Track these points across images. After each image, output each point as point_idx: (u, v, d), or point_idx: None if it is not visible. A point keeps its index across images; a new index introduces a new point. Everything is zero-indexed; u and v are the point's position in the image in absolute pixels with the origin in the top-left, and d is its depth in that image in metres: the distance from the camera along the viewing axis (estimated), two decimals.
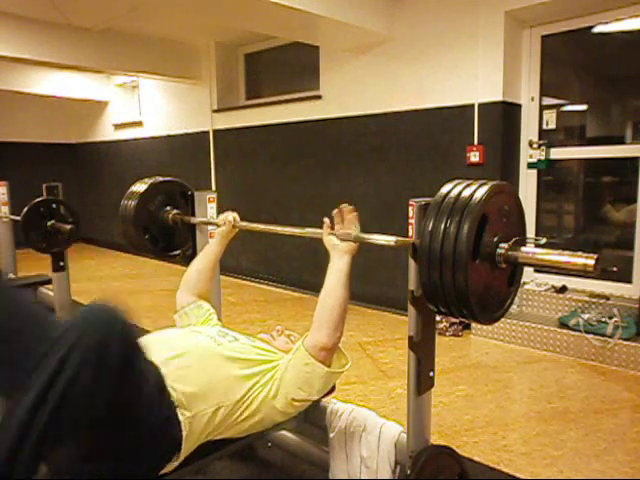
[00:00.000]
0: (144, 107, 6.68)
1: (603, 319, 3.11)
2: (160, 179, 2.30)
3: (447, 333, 3.58)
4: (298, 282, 4.81)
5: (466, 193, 1.24)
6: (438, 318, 3.40)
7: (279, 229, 1.98)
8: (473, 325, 3.59)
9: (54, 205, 3.21)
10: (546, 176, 3.70)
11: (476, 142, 3.58)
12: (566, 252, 1.22)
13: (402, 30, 3.87)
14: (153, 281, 5.54)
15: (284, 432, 1.89)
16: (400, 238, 1.43)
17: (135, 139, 6.86)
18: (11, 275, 4.02)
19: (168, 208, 2.26)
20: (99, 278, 5.75)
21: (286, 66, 5.42)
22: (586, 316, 3.18)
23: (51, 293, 3.48)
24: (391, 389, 2.74)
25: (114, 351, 0.99)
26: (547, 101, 3.65)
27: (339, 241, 1.53)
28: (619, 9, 3.19)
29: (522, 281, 1.47)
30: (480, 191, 1.23)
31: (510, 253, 1.26)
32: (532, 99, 3.65)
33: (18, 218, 3.27)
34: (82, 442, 1.03)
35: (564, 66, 3.78)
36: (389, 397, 2.65)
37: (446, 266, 1.19)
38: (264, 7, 3.12)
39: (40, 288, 3.77)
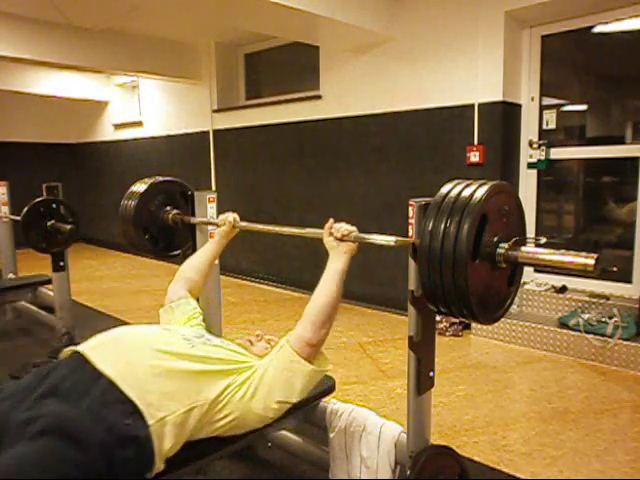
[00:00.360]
0: (144, 107, 6.68)
1: (603, 319, 3.11)
2: (160, 179, 2.30)
3: (447, 333, 3.58)
4: (298, 282, 4.81)
5: (466, 193, 1.24)
6: (438, 318, 3.40)
7: (279, 229, 1.98)
8: (473, 325, 3.59)
9: (54, 205, 3.21)
10: (546, 176, 3.70)
11: (476, 142, 3.58)
12: (566, 252, 1.22)
13: (402, 30, 3.87)
14: (153, 281, 5.54)
15: (284, 432, 1.89)
16: (400, 238, 1.43)
17: (135, 139, 6.86)
18: (11, 275, 4.03)
19: (168, 208, 2.26)
20: (99, 278, 5.75)
21: (286, 66, 5.42)
22: (586, 316, 3.18)
23: (51, 293, 3.48)
24: (391, 389, 2.74)
25: None
26: (547, 101, 3.65)
27: (338, 242, 1.53)
28: (619, 9, 3.19)
29: (522, 281, 1.47)
30: (480, 191, 1.23)
31: (510, 253, 1.26)
32: (532, 99, 3.65)
33: (18, 218, 3.27)
34: None
35: (564, 66, 3.78)
36: (389, 397, 2.65)
37: (446, 266, 1.19)
38: (264, 7, 3.12)
39: (40, 288, 3.78)
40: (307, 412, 1.80)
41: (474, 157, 3.58)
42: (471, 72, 3.56)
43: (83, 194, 7.55)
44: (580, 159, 3.65)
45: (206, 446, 1.41)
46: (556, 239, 3.81)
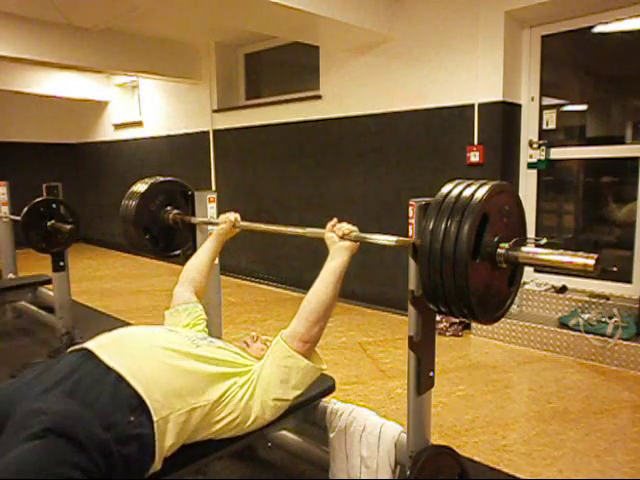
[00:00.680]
0: (144, 107, 6.68)
1: (603, 319, 3.11)
2: (161, 179, 2.30)
3: (447, 333, 3.58)
4: (298, 282, 4.81)
5: (467, 193, 1.24)
6: (438, 318, 3.41)
7: (280, 229, 1.98)
8: (473, 325, 3.59)
9: (54, 205, 3.21)
10: (546, 176, 3.70)
11: (476, 142, 3.58)
12: (566, 252, 1.22)
13: (402, 30, 3.87)
14: (153, 281, 5.54)
15: (284, 432, 1.89)
16: (401, 238, 1.43)
17: (135, 139, 6.86)
18: (11, 275, 4.03)
19: (169, 208, 2.26)
20: (99, 278, 5.75)
21: (286, 66, 5.42)
22: (586, 316, 3.18)
23: (51, 293, 3.48)
24: (391, 389, 2.74)
25: None
26: (547, 101, 3.65)
27: (340, 239, 1.53)
28: (619, 9, 3.19)
29: (522, 281, 1.47)
30: (481, 191, 1.23)
31: (510, 253, 1.26)
32: (532, 99, 3.65)
33: (18, 218, 3.27)
34: None
35: (564, 66, 3.78)
36: (389, 397, 2.65)
37: (447, 265, 1.19)
38: (264, 7, 3.12)
39: (40, 288, 3.78)
40: (307, 412, 1.80)
41: (474, 157, 3.58)
42: (471, 72, 3.56)
43: (83, 194, 7.55)
44: (580, 159, 3.65)
45: (206, 446, 1.41)
46: (556, 239, 3.81)
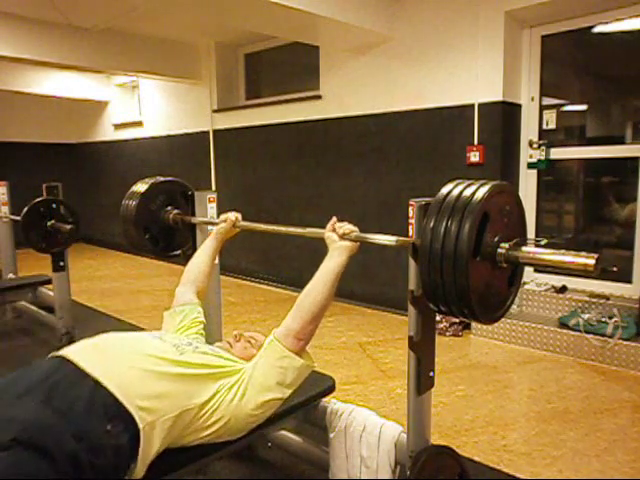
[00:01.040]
0: (144, 107, 6.68)
1: (603, 319, 3.11)
2: (161, 179, 2.30)
3: (447, 333, 3.58)
4: (298, 282, 4.80)
5: (467, 192, 1.24)
6: (438, 318, 3.40)
7: (280, 229, 1.98)
8: (473, 325, 3.59)
9: (54, 205, 3.21)
10: (546, 176, 3.70)
11: (476, 142, 3.58)
12: (567, 252, 1.22)
13: (402, 30, 3.87)
14: (153, 281, 5.54)
15: (284, 432, 1.89)
16: (401, 238, 1.43)
17: (135, 139, 6.86)
18: (11, 275, 4.03)
19: (169, 208, 2.26)
20: (99, 278, 5.75)
21: (286, 66, 5.42)
22: (586, 316, 3.18)
23: (51, 293, 3.48)
24: (391, 389, 2.74)
25: None
26: (547, 101, 3.65)
27: (340, 238, 1.53)
28: (619, 9, 3.19)
29: (522, 281, 1.47)
30: (481, 190, 1.23)
31: (511, 253, 1.26)
32: (532, 99, 3.65)
33: (18, 218, 3.27)
34: None
35: (564, 66, 3.78)
36: (389, 397, 2.65)
37: (447, 265, 1.19)
38: (264, 7, 3.12)
39: (40, 288, 3.78)
40: (307, 412, 1.80)
41: (474, 157, 3.58)
42: (471, 72, 3.56)
43: (83, 194, 7.55)
44: (580, 159, 3.65)
45: (206, 446, 1.40)
46: (556, 239, 3.81)
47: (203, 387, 1.37)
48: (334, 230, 1.56)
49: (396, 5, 3.84)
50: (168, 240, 2.31)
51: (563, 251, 1.22)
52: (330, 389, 1.84)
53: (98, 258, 6.98)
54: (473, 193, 1.23)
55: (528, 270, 3.64)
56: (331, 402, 1.80)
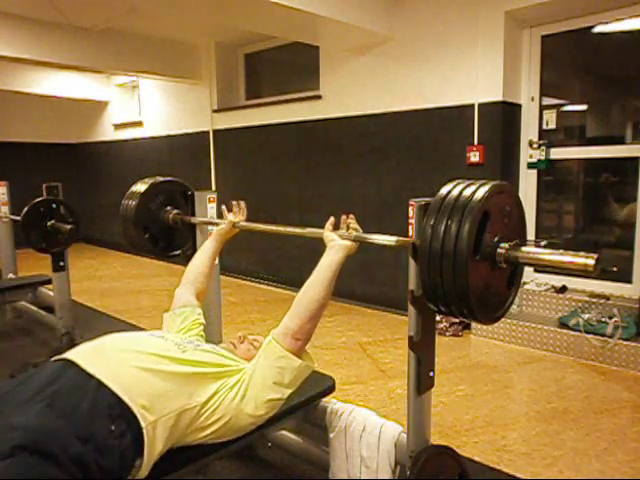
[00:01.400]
0: (144, 107, 6.68)
1: (603, 319, 3.11)
2: (161, 179, 2.30)
3: (447, 333, 3.58)
4: (298, 282, 4.75)
5: (467, 192, 1.24)
6: (438, 318, 3.40)
7: (280, 229, 1.98)
8: (473, 325, 3.59)
9: (54, 205, 3.21)
10: (546, 176, 3.70)
11: (476, 142, 3.58)
12: (567, 252, 1.22)
13: (402, 30, 3.87)
14: (153, 281, 5.54)
15: (284, 432, 1.89)
16: (401, 238, 1.43)
17: (135, 139, 6.86)
18: (11, 275, 4.03)
19: (169, 208, 2.26)
20: (99, 278, 5.75)
21: (286, 66, 5.42)
22: (586, 316, 3.18)
23: (51, 293, 3.48)
24: (391, 389, 2.74)
25: None
26: (547, 101, 3.65)
27: (338, 237, 1.53)
28: (619, 9, 3.19)
29: (522, 281, 1.47)
30: (481, 190, 1.23)
31: (511, 253, 1.26)
32: (532, 99, 3.65)
33: (18, 218, 3.27)
34: None
35: (564, 66, 3.78)
36: (389, 397, 2.65)
37: (447, 265, 1.19)
38: (264, 7, 3.12)
39: (40, 288, 3.78)
40: (307, 412, 1.80)
41: (474, 157, 3.58)
42: (471, 72, 3.56)
43: (83, 194, 7.55)
44: (580, 159, 3.65)
45: (206, 446, 1.40)
46: (556, 239, 3.81)
47: (204, 386, 1.37)
48: (333, 230, 1.56)
49: (396, 5, 3.84)
50: (168, 240, 2.31)
51: (563, 251, 1.23)
52: (330, 389, 1.84)
53: (98, 258, 6.98)
54: (473, 193, 1.23)
55: (528, 270, 3.64)
56: (331, 402, 1.80)
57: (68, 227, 3.13)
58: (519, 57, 3.60)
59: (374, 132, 4.20)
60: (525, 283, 3.65)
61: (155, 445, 1.25)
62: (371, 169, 4.25)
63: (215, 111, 5.55)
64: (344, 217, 1.59)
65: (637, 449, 2.14)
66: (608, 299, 3.31)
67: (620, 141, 3.44)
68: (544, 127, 3.62)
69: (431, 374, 1.47)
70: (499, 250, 1.26)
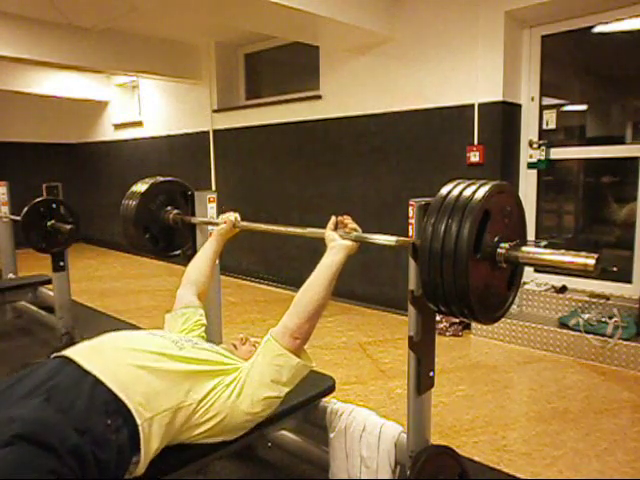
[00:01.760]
0: (144, 107, 6.68)
1: (603, 319, 3.11)
2: (161, 179, 2.30)
3: (447, 333, 3.58)
4: (298, 282, 4.75)
5: (467, 192, 1.24)
6: (438, 318, 3.40)
7: (280, 229, 1.98)
8: (473, 325, 3.59)
9: (54, 205, 3.21)
10: (546, 176, 3.70)
11: (476, 142, 3.58)
12: (567, 252, 1.22)
13: (402, 30, 3.87)
14: (153, 281, 5.54)
15: (284, 432, 1.89)
16: (401, 238, 1.43)
17: (135, 139, 6.86)
18: (11, 275, 4.03)
19: (169, 208, 2.26)
20: (99, 278, 5.75)
21: (286, 66, 5.42)
22: (586, 316, 3.18)
23: (51, 293, 3.48)
24: (391, 389, 2.74)
25: None
26: (547, 101, 3.65)
27: (339, 238, 1.53)
28: (619, 9, 3.19)
29: (522, 281, 1.47)
30: (482, 190, 1.23)
31: (511, 253, 1.26)
32: (532, 99, 3.65)
33: (18, 218, 3.27)
34: None
35: (564, 66, 3.78)
36: (389, 397, 2.65)
37: (447, 264, 1.19)
38: (264, 7, 3.12)
39: (40, 288, 3.78)
40: (307, 412, 1.80)
41: (474, 157, 3.58)
42: (471, 72, 3.56)
43: (83, 194, 7.54)
44: (580, 159, 3.65)
45: (206, 446, 1.40)
46: (556, 239, 3.81)
47: (201, 383, 1.38)
48: (334, 229, 1.56)
49: (396, 5, 3.84)
50: (168, 240, 2.31)
51: (563, 251, 1.22)
52: (330, 389, 1.84)
53: (98, 258, 6.98)
54: (473, 193, 1.23)
55: (528, 270, 3.64)
56: (331, 402, 1.80)
57: (68, 227, 3.13)
58: (519, 57, 3.60)
59: (374, 132, 4.20)
60: (525, 283, 3.65)
61: (151, 442, 1.26)
62: (371, 169, 4.25)
63: (215, 111, 5.55)
64: (340, 218, 1.58)
65: (637, 449, 2.14)
66: (608, 299, 3.31)
67: (620, 141, 3.44)
68: (544, 127, 3.62)
69: (431, 374, 1.47)
70: (499, 250, 1.26)
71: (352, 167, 4.39)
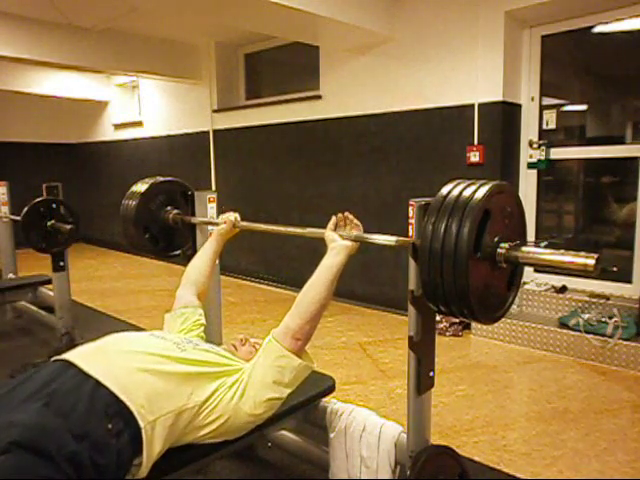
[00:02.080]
0: (144, 107, 6.68)
1: (603, 319, 3.11)
2: (161, 179, 2.30)
3: (447, 333, 3.58)
4: (298, 282, 4.76)
5: (467, 192, 1.24)
6: (438, 318, 3.40)
7: (280, 229, 1.98)
8: (473, 325, 3.59)
9: (54, 205, 3.21)
10: (546, 176, 3.70)
11: (476, 142, 3.58)
12: (567, 252, 1.22)
13: (402, 30, 3.87)
14: (153, 281, 5.54)
15: (284, 432, 1.89)
16: (401, 238, 1.43)
17: (135, 139, 6.86)
18: (11, 275, 4.03)
19: (169, 208, 2.26)
20: (99, 278, 5.75)
21: (286, 66, 5.42)
22: (586, 316, 3.18)
23: (51, 293, 3.48)
24: (391, 389, 2.74)
25: None
26: (547, 101, 3.65)
27: (339, 238, 1.53)
28: (619, 9, 3.19)
29: (522, 281, 1.47)
30: (482, 190, 1.23)
31: (511, 253, 1.26)
32: (532, 99, 3.65)
33: (18, 218, 3.27)
34: None
35: (564, 66, 3.78)
36: (389, 397, 2.65)
37: (447, 264, 1.19)
38: (264, 7, 3.12)
39: (40, 288, 3.78)
40: (307, 412, 1.80)
41: (474, 157, 3.58)
42: (471, 72, 3.56)
43: (83, 194, 7.54)
44: (580, 159, 3.65)
45: (206, 446, 1.40)
46: (556, 239, 3.81)
47: (203, 385, 1.38)
48: (335, 229, 1.56)
49: (396, 5, 3.84)
50: (168, 240, 2.31)
51: (563, 251, 1.22)
52: (330, 389, 1.84)
53: (98, 258, 6.98)
54: (473, 193, 1.23)
55: (528, 270, 3.64)
56: (331, 402, 1.80)
57: (68, 227, 3.13)
58: (519, 57, 3.60)
59: (374, 132, 4.20)
60: (525, 283, 3.65)
61: (154, 444, 1.25)
62: (371, 169, 4.25)
63: (215, 111, 5.55)
64: (341, 215, 1.58)
65: (637, 449, 2.14)
66: (608, 299, 3.31)
67: (620, 141, 3.44)
68: (544, 127, 3.62)
69: (431, 374, 1.47)
70: (499, 250, 1.26)
71: (352, 167, 4.39)
